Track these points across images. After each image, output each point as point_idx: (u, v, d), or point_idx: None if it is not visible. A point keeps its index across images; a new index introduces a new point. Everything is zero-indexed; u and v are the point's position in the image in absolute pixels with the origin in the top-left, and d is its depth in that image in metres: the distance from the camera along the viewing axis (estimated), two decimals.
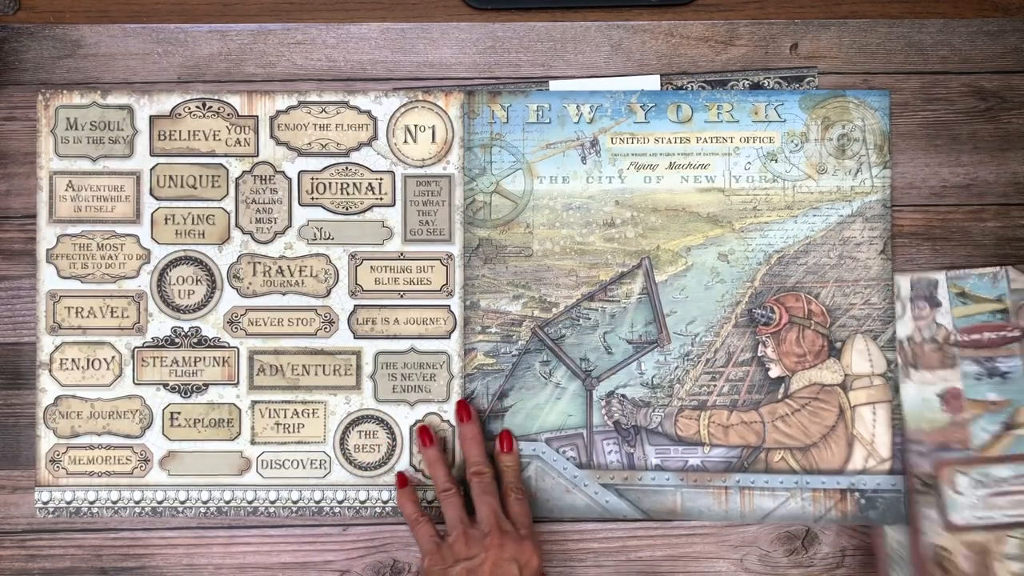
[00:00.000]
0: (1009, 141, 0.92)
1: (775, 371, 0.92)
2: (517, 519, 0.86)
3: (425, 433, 0.89)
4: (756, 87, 0.91)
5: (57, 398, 0.91)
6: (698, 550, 0.92)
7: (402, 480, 0.90)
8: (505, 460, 0.90)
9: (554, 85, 0.92)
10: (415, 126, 0.91)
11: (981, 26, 0.92)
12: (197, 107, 0.91)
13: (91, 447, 0.91)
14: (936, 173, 0.92)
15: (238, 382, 0.91)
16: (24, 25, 0.92)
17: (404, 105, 0.91)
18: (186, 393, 0.91)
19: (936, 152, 0.92)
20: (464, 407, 0.90)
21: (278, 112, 0.91)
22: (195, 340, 0.91)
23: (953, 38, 0.92)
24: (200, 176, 0.91)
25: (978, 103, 0.92)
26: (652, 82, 0.92)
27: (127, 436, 0.91)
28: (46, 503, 0.91)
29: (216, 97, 0.91)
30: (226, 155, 0.91)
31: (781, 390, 0.92)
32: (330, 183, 0.91)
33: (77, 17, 0.93)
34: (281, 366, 0.91)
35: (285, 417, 0.91)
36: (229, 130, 0.91)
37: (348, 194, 0.91)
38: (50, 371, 0.91)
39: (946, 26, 0.92)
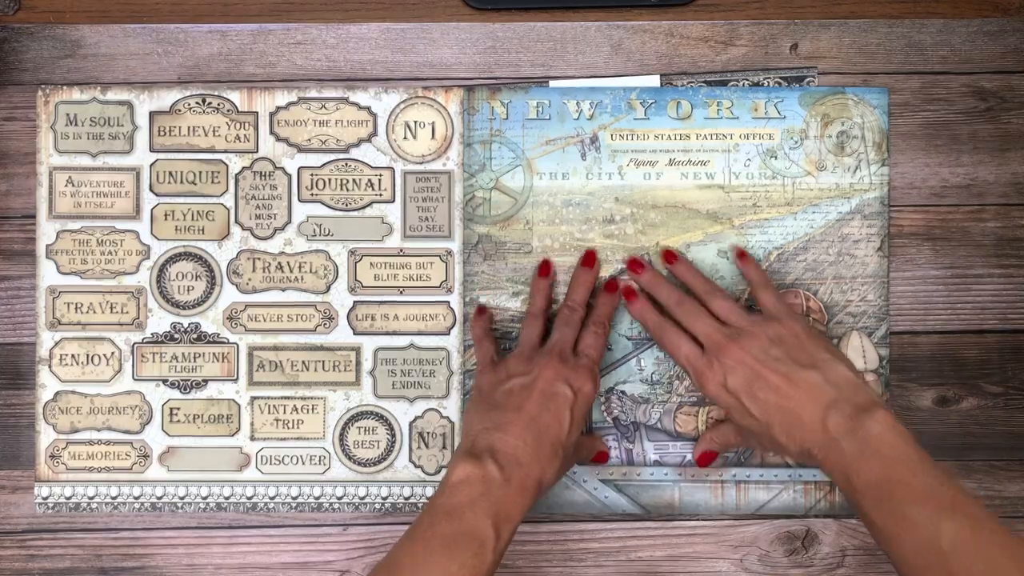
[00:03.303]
0: (1009, 141, 0.92)
1: None
2: (586, 349, 0.86)
3: (547, 264, 0.91)
4: (756, 87, 0.92)
5: (56, 394, 0.91)
6: (698, 550, 0.92)
7: (481, 309, 0.91)
8: (604, 298, 0.90)
9: (554, 85, 0.92)
10: (415, 122, 0.91)
11: (981, 26, 0.92)
12: (197, 103, 0.91)
13: (90, 443, 0.91)
14: (936, 173, 0.92)
15: (237, 378, 0.91)
16: (24, 25, 0.92)
17: (404, 101, 0.91)
18: (185, 389, 0.91)
19: (936, 152, 0.92)
20: (592, 255, 0.91)
21: (278, 108, 0.91)
22: (194, 336, 0.91)
23: (953, 38, 0.92)
24: (200, 172, 0.91)
25: (978, 103, 0.92)
26: (652, 82, 0.92)
27: (126, 432, 0.91)
28: (45, 499, 0.91)
29: (216, 93, 0.91)
30: (226, 151, 0.91)
31: None
32: (330, 179, 0.91)
33: (77, 17, 0.93)
34: (280, 362, 0.91)
35: (284, 413, 0.91)
36: (229, 126, 0.91)
37: (348, 190, 0.91)
38: (50, 367, 0.91)
39: (946, 26, 0.92)
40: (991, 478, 0.92)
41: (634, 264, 0.90)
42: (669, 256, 0.90)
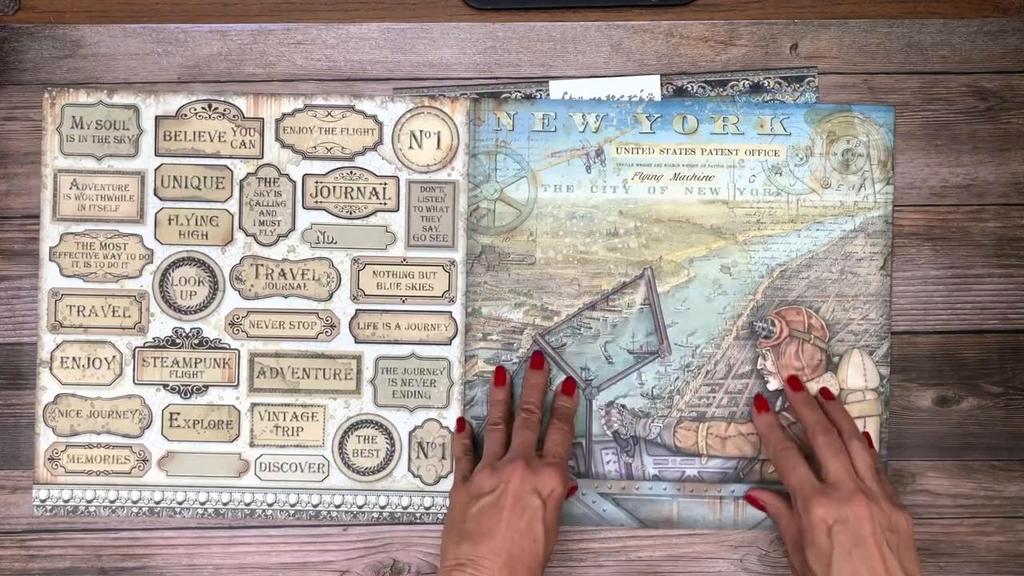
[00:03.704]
0: (1009, 141, 0.92)
1: (773, 384, 0.92)
2: (552, 447, 0.86)
3: (501, 372, 0.91)
4: (756, 87, 0.91)
5: (57, 396, 0.91)
6: (698, 551, 0.92)
7: (461, 425, 0.91)
8: (562, 400, 0.90)
9: (554, 85, 0.92)
10: (420, 131, 0.91)
11: (981, 26, 0.92)
12: (203, 108, 0.91)
13: (90, 446, 0.91)
14: (936, 173, 0.92)
15: (238, 384, 0.91)
16: (24, 25, 0.92)
17: (410, 110, 0.91)
18: (186, 394, 0.91)
19: (936, 152, 0.92)
20: (538, 356, 0.91)
21: (284, 115, 0.91)
22: (196, 341, 0.91)
23: (953, 38, 0.92)
24: (204, 177, 0.91)
25: (978, 103, 0.92)
26: (652, 82, 0.92)
27: (126, 436, 0.91)
28: (43, 501, 0.91)
29: (222, 99, 0.91)
30: (231, 157, 0.91)
31: (778, 403, 0.92)
32: (334, 187, 0.91)
33: (77, 17, 0.92)
34: (281, 369, 0.91)
35: (284, 420, 0.91)
36: (234, 132, 0.91)
37: (352, 198, 0.91)
38: (50, 369, 0.91)
39: (946, 26, 0.92)
40: (991, 478, 0.93)
41: (793, 381, 0.90)
42: (826, 393, 0.90)
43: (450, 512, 0.85)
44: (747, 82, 0.92)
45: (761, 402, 0.90)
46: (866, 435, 0.90)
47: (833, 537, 0.80)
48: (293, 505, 0.91)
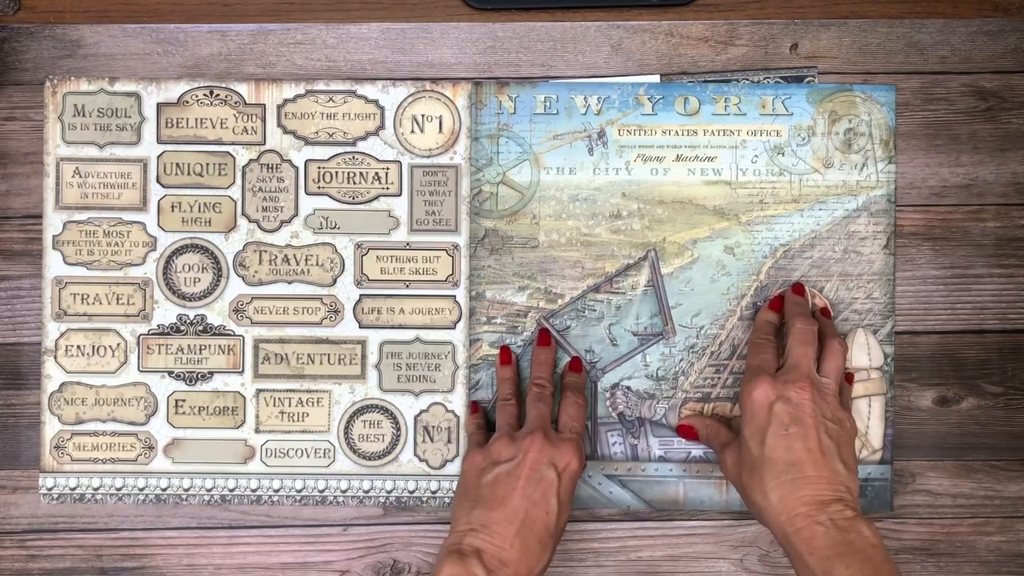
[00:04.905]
0: (1009, 141, 0.93)
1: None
2: (569, 422, 0.86)
3: (506, 351, 0.91)
4: (763, 84, 0.92)
5: (62, 384, 0.90)
6: (698, 550, 0.92)
7: (474, 407, 0.91)
8: (571, 376, 0.90)
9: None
10: (422, 116, 0.91)
11: (981, 26, 0.93)
12: (204, 95, 0.91)
13: (96, 434, 0.91)
14: (936, 173, 0.92)
15: (243, 370, 0.91)
16: (24, 25, 0.92)
17: (411, 95, 0.91)
18: (191, 381, 0.91)
19: (936, 152, 0.92)
20: (545, 333, 0.91)
21: (285, 101, 0.91)
22: (200, 328, 0.91)
23: (953, 38, 0.92)
24: (207, 164, 0.91)
25: (978, 103, 0.93)
26: (652, 82, 0.92)
27: (132, 423, 0.91)
28: (50, 489, 0.90)
29: (223, 85, 0.91)
30: (233, 143, 0.91)
31: None
32: (337, 172, 0.91)
33: (77, 17, 0.92)
34: (286, 355, 0.91)
35: (290, 406, 0.91)
36: (236, 118, 0.91)
37: (355, 183, 0.91)
38: (55, 357, 0.90)
39: (946, 26, 0.92)
40: (991, 478, 0.92)
41: (798, 288, 0.91)
42: (825, 312, 0.91)
43: (463, 478, 0.85)
44: (747, 82, 0.92)
45: (776, 300, 0.90)
46: (849, 376, 0.89)
47: (772, 414, 0.81)
48: (299, 491, 0.91)
